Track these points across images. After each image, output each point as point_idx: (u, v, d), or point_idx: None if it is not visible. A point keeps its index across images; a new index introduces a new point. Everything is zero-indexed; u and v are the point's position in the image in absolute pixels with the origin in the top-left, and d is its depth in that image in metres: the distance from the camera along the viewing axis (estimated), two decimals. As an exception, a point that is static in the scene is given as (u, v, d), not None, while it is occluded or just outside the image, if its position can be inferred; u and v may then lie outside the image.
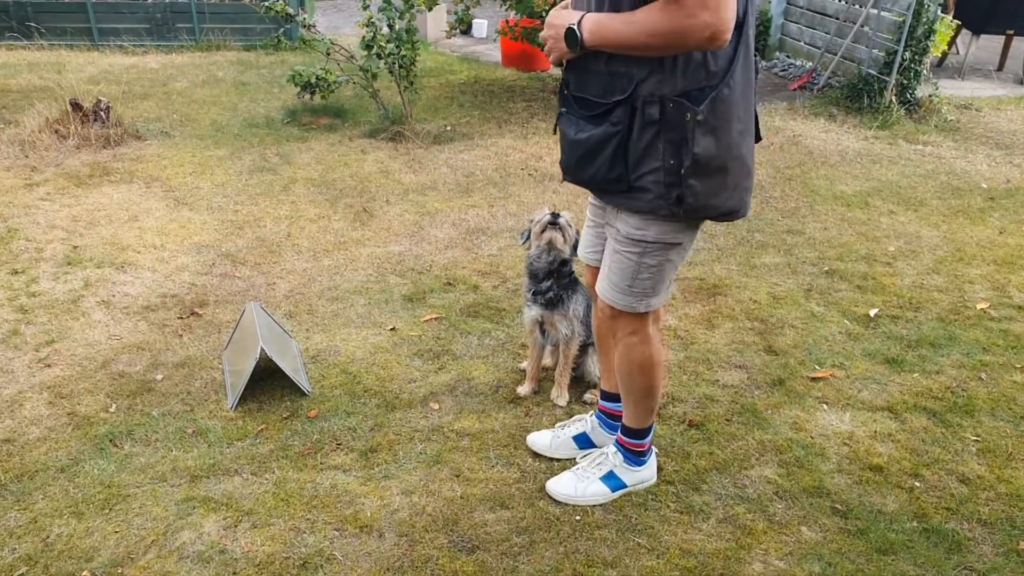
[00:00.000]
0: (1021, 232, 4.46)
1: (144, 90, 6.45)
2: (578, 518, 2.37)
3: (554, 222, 2.65)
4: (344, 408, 2.86)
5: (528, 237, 2.75)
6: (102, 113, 5.18)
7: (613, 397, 2.59)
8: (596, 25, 1.82)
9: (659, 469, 2.56)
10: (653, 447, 2.52)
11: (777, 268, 3.98)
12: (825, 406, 2.91)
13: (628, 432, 2.45)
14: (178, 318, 3.41)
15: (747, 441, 2.72)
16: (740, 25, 1.81)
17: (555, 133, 2.16)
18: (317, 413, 2.84)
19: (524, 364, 3.04)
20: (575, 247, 2.65)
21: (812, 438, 2.74)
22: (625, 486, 2.46)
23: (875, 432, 2.77)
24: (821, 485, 2.51)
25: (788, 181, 5.12)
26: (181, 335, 3.29)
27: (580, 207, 4.63)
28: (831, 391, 3.00)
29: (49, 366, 3.05)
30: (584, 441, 2.63)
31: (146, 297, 3.55)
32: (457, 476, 2.54)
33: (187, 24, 7.81)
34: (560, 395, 2.89)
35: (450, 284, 3.75)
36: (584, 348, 2.92)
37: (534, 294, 2.78)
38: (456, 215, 4.48)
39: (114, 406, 2.84)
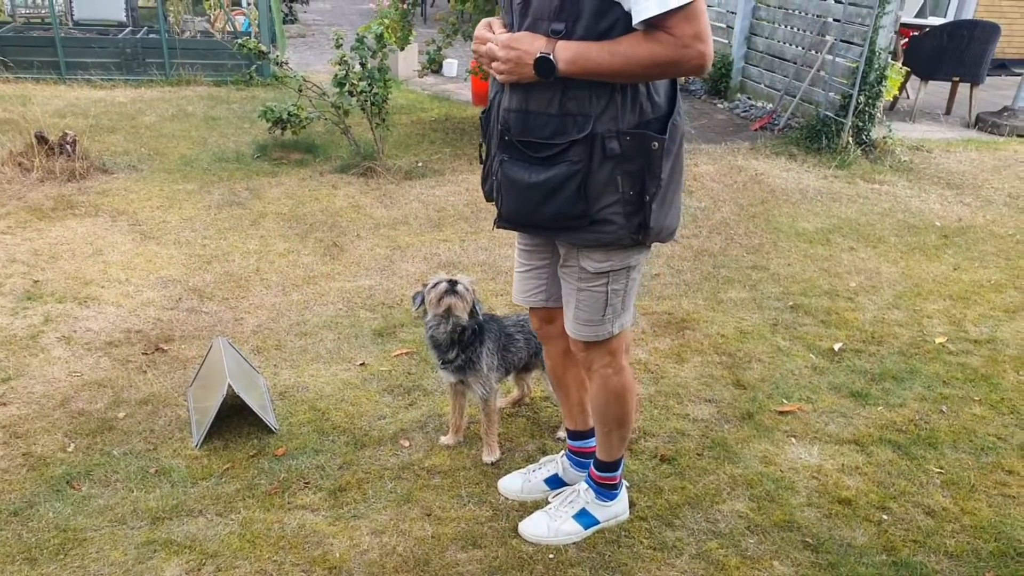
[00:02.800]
0: (974, 268, 4.59)
1: (112, 124, 6.39)
2: (551, 556, 2.36)
3: (452, 290, 2.54)
4: (312, 446, 2.82)
5: (422, 302, 2.63)
6: (68, 146, 5.11)
7: (580, 435, 2.59)
8: (575, 55, 1.81)
9: (632, 504, 2.56)
10: (624, 480, 2.51)
11: (743, 303, 4.04)
12: (793, 439, 2.95)
13: (600, 465, 2.45)
14: (142, 354, 3.35)
15: (718, 475, 2.73)
16: None
17: (487, 184, 2.14)
18: (285, 451, 2.79)
19: (446, 438, 2.90)
20: (473, 311, 2.59)
21: (782, 472, 2.76)
22: (598, 522, 2.45)
23: (843, 465, 2.81)
24: (792, 519, 2.53)
25: (752, 218, 5.23)
26: (145, 371, 3.23)
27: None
28: (799, 425, 3.04)
29: (4, 404, 2.96)
30: (556, 483, 2.62)
31: (109, 332, 3.48)
32: (428, 515, 2.51)
33: (157, 59, 7.77)
34: (490, 453, 2.78)
35: (419, 318, 3.73)
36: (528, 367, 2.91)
37: (443, 363, 2.68)
38: (427, 249, 4.49)
39: (72, 445, 2.76)
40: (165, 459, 2.72)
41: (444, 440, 2.88)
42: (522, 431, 2.96)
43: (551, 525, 2.42)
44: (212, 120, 6.70)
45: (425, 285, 2.64)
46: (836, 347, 3.62)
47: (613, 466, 2.44)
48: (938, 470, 2.80)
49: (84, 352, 3.32)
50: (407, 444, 2.86)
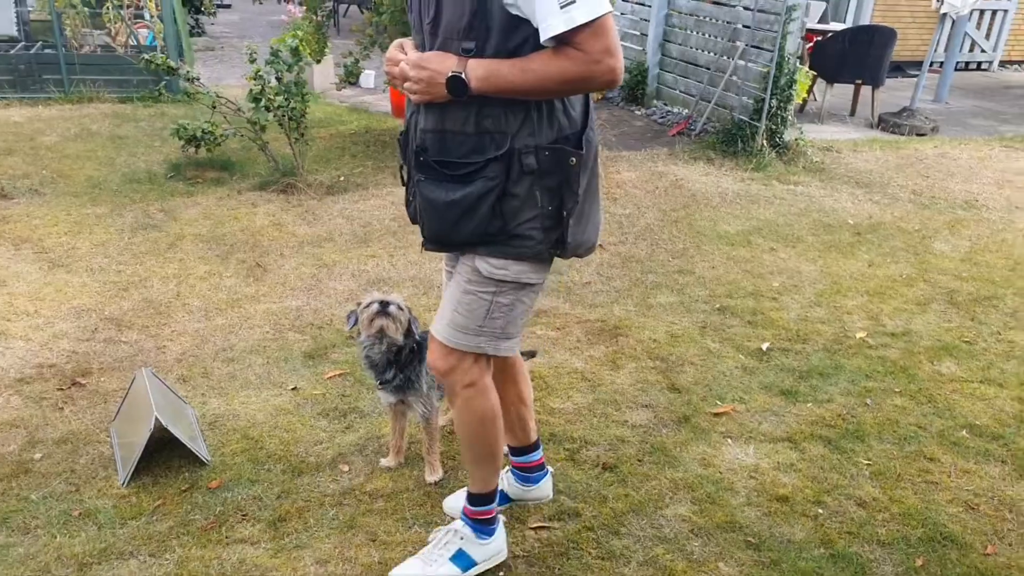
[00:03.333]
0: (886, 264, 4.82)
1: (8, 145, 6.04)
2: (501, 573, 2.34)
3: (384, 311, 2.49)
4: (248, 476, 2.72)
5: (355, 322, 2.57)
6: (-38, 171, 4.80)
7: (522, 451, 2.52)
8: (487, 73, 1.81)
9: (576, 515, 2.57)
10: (501, 515, 2.42)
11: (672, 307, 4.12)
12: (730, 440, 3.01)
13: (474, 499, 2.32)
14: (58, 389, 3.16)
15: (660, 480, 2.77)
16: None
17: (410, 207, 2.11)
18: (219, 483, 2.68)
19: (386, 460, 2.84)
20: (408, 331, 2.54)
21: (721, 473, 2.82)
22: (475, 563, 2.31)
23: (778, 463, 2.89)
24: (733, 519, 2.59)
25: (675, 223, 5.34)
26: (62, 408, 3.05)
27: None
28: (734, 425, 3.11)
29: (-93, 452, 2.75)
30: (504, 499, 2.57)
31: (19, 368, 3.28)
32: (373, 540, 2.46)
33: (55, 75, 7.38)
34: (432, 473, 2.73)
35: (352, 338, 3.66)
36: None
37: (381, 383, 2.63)
38: (355, 266, 4.41)
39: (-15, 492, 2.59)
40: (90, 500, 2.58)
41: (385, 462, 2.82)
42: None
43: (426, 570, 2.27)
44: (119, 139, 6.42)
45: (359, 304, 2.59)
46: (764, 347, 3.73)
47: (488, 498, 2.32)
48: (867, 462, 2.92)
49: (-8, 391, 3.12)
50: (347, 468, 2.79)
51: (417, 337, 2.60)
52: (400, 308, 2.52)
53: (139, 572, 2.30)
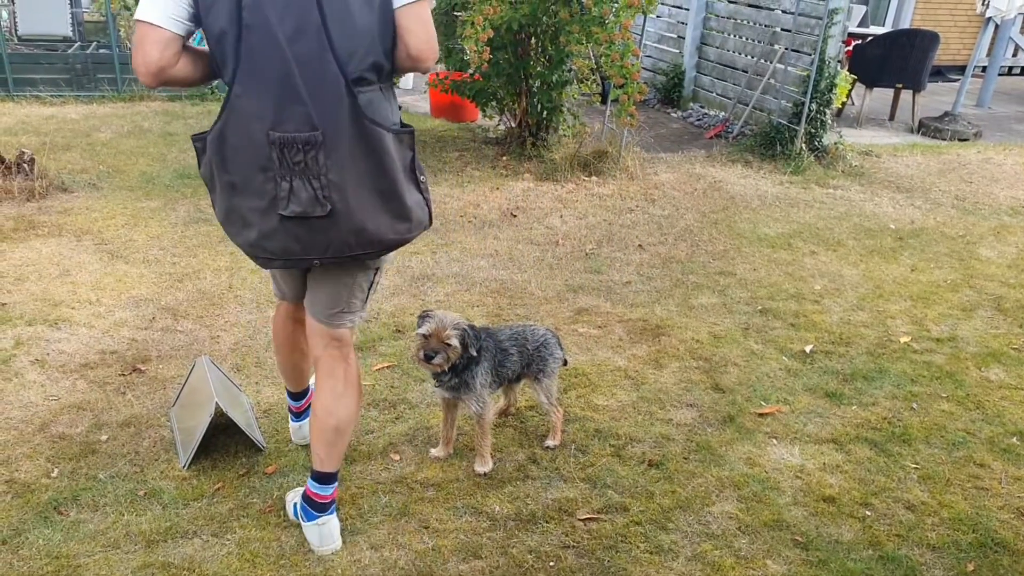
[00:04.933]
0: (930, 269, 4.79)
1: (67, 141, 6.23)
2: (552, 564, 2.39)
3: (427, 361, 2.54)
4: (302, 463, 2.80)
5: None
6: (26, 165, 4.97)
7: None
8: None
9: (625, 509, 2.61)
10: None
11: (714, 308, 4.14)
12: (775, 441, 3.04)
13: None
14: (119, 375, 3.28)
15: (706, 478, 2.80)
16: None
17: None
18: (275, 469, 2.77)
19: (436, 450, 2.91)
20: (466, 347, 2.58)
21: (766, 472, 2.85)
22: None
23: (824, 464, 2.91)
24: (780, 518, 2.61)
25: (714, 225, 5.36)
26: (124, 392, 3.16)
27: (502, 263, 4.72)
28: (778, 426, 3.13)
29: (-19, 431, 2.88)
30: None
31: (83, 354, 3.40)
32: (426, 527, 2.53)
33: (109, 74, 7.60)
34: (482, 464, 2.79)
35: (399, 331, 3.74)
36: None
37: (437, 383, 2.71)
38: (400, 262, 4.49)
39: (56, 471, 2.70)
40: (153, 481, 2.68)
41: (434, 452, 2.89)
42: (511, 441, 2.99)
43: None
44: (170, 136, 6.58)
45: (420, 317, 2.63)
46: (807, 349, 3.74)
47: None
48: (914, 465, 2.93)
49: (59, 375, 3.24)
50: (397, 458, 2.86)
51: (472, 352, 2.64)
52: (450, 346, 2.53)
53: (203, 551, 2.39)
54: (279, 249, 2.12)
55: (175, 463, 2.77)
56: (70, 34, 8.61)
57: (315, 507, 2.39)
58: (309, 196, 2.03)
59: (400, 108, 2.26)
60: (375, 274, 2.37)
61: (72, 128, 6.60)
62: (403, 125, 2.18)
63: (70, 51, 7.98)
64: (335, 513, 2.43)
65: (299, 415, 2.88)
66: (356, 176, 2.06)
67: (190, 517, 2.52)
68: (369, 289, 2.37)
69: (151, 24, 1.92)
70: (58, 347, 3.43)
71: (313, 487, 2.39)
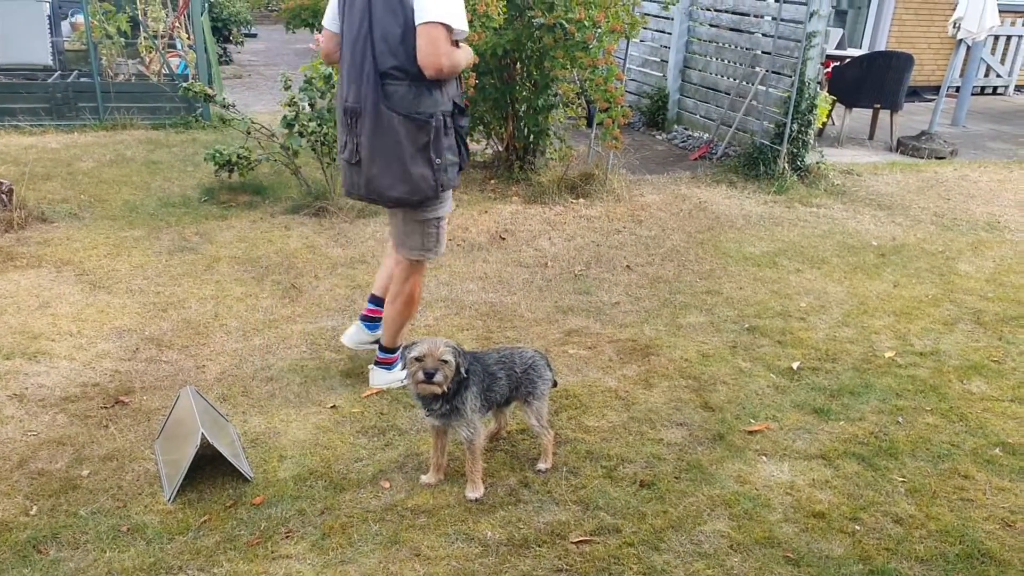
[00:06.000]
0: (912, 285, 4.84)
1: (46, 171, 6.19)
2: (544, 587, 2.37)
3: (428, 380, 2.57)
4: (290, 492, 2.77)
5: (406, 366, 2.65)
6: (3, 195, 4.93)
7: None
8: None
9: (616, 531, 2.60)
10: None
11: (702, 327, 4.15)
12: (764, 458, 3.04)
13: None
14: (102, 408, 3.24)
15: (697, 497, 2.80)
16: None
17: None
18: (263, 499, 2.73)
19: (427, 477, 2.89)
20: (457, 371, 2.61)
21: (757, 490, 2.84)
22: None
23: (813, 480, 2.91)
24: (771, 535, 2.61)
25: (700, 245, 5.39)
26: (106, 426, 3.12)
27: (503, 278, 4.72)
28: (768, 443, 3.14)
29: (-40, 468, 2.82)
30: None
31: (64, 387, 3.36)
32: (417, 555, 2.50)
33: (90, 103, 7.58)
34: (474, 490, 2.77)
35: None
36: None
37: (427, 411, 2.71)
38: (386, 289, 4.47)
39: (35, 508, 2.65)
40: (137, 516, 2.63)
41: (425, 479, 2.86)
42: (502, 465, 2.97)
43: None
44: (153, 164, 6.56)
45: (407, 348, 2.64)
46: (794, 366, 3.75)
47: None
48: (901, 479, 2.93)
49: (39, 409, 3.19)
50: (387, 485, 2.84)
51: (464, 373, 2.65)
52: (445, 374, 2.56)
53: (190, 584, 2.34)
54: (346, 182, 3.18)
55: (159, 496, 2.73)
56: (50, 63, 8.60)
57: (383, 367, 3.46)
58: (351, 149, 3.03)
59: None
60: (423, 226, 3.16)
61: (52, 157, 6.57)
62: (431, 117, 2.93)
63: (50, 80, 7.96)
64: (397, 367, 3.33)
65: (366, 320, 3.57)
66: (374, 142, 2.95)
67: (175, 552, 2.48)
68: (422, 238, 3.17)
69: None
70: (37, 381, 3.39)
71: (379, 354, 3.45)
